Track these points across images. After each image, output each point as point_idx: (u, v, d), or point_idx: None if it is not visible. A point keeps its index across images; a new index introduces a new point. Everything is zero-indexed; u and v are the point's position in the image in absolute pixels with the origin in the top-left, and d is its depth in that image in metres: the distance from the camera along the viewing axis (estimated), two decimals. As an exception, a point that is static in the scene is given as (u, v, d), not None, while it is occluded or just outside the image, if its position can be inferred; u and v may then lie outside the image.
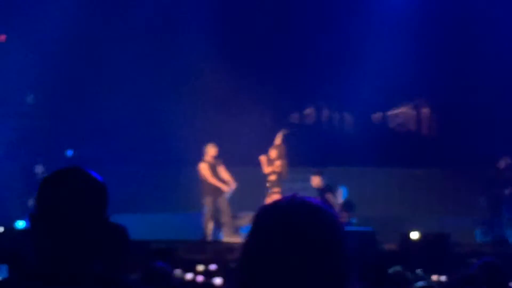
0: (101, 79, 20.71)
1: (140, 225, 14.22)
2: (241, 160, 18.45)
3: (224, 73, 20.04)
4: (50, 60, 20.28)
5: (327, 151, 20.39)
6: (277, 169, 17.28)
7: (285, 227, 1.75)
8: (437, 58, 20.67)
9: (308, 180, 18.60)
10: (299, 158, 18.51)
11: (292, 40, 21.10)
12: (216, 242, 16.62)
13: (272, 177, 17.32)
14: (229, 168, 17.49)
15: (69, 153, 20.66)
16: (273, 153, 17.42)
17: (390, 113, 21.67)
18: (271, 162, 17.34)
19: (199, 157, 17.46)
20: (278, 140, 17.61)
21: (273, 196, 17.03)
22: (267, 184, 17.35)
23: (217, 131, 19.34)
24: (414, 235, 15.43)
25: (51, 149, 20.23)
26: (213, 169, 17.15)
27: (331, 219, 1.81)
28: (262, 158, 17.39)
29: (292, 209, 1.79)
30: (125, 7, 20.49)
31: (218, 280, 9.44)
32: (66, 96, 20.73)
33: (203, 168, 17.15)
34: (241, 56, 20.84)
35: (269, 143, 17.90)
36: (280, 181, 17.39)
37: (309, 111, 22.01)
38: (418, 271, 8.36)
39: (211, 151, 17.24)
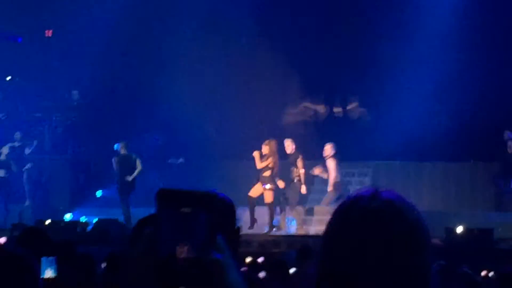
0: (145, 75, 20.91)
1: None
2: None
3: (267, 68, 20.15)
4: (95, 56, 20.56)
5: (370, 146, 20.32)
6: (271, 165, 16.73)
7: (368, 221, 1.74)
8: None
9: (351, 174, 18.70)
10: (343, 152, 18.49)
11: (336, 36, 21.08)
12: (262, 235, 16.66)
13: (266, 173, 16.77)
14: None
15: (117, 147, 20.90)
16: (265, 149, 16.88)
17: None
18: (264, 158, 16.82)
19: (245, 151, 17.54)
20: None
21: (266, 193, 16.82)
22: (261, 180, 16.87)
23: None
24: (459, 229, 15.36)
25: (96, 143, 20.51)
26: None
27: (413, 211, 1.80)
28: (255, 154, 16.87)
29: (376, 203, 1.77)
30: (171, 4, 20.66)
31: (261, 274, 9.45)
32: (110, 90, 20.96)
33: None
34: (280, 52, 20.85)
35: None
36: (273, 177, 16.85)
37: (352, 105, 21.89)
38: (465, 268, 8.31)
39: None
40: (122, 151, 17.89)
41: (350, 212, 1.78)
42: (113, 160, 17.89)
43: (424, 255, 1.75)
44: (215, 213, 1.84)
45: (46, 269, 5.05)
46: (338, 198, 16.62)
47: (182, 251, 1.81)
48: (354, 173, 20.12)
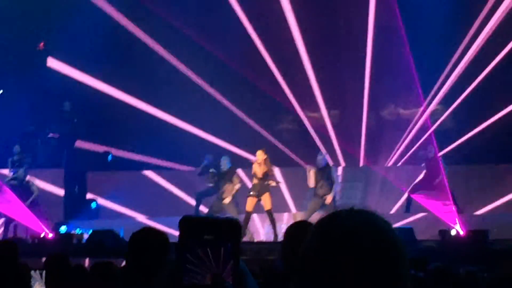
0: (138, 84, 20.97)
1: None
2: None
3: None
4: (88, 67, 20.61)
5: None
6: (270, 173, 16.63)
7: (344, 241, 1.73)
8: None
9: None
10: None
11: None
12: (257, 242, 16.62)
13: (271, 182, 16.61)
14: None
15: (109, 157, 20.91)
16: (263, 156, 16.59)
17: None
18: (266, 166, 16.59)
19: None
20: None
21: (269, 200, 16.52)
22: (263, 189, 16.53)
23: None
24: (453, 232, 15.38)
25: (89, 153, 20.57)
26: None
27: (390, 228, 1.80)
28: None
29: (352, 218, 1.78)
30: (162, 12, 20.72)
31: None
32: (103, 100, 20.97)
33: None
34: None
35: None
36: None
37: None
38: (461, 269, 8.32)
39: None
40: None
41: (326, 232, 1.77)
42: None
43: (402, 271, 1.75)
44: (237, 241, 1.87)
45: (35, 282, 5.07)
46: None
47: (208, 279, 1.83)
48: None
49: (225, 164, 17.44)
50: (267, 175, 16.52)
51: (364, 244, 1.73)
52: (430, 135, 19.73)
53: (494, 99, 20.50)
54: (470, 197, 19.48)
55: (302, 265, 1.77)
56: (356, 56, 21.06)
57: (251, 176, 16.89)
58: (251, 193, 16.52)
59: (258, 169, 16.50)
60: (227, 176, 17.26)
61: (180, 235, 1.87)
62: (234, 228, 1.88)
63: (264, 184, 16.49)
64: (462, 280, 7.95)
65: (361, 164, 21.34)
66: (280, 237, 16.58)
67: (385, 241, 1.75)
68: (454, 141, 20.72)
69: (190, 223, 1.88)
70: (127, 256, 4.24)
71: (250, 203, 16.46)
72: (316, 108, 21.83)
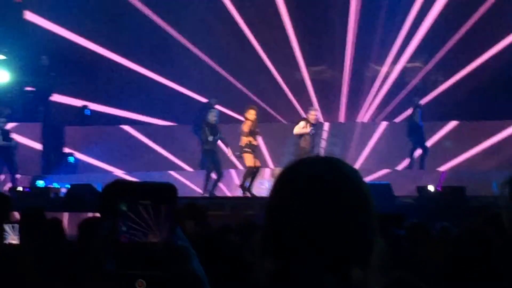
0: (118, 39, 20.84)
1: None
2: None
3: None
4: (66, 20, 20.42)
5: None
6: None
7: (310, 181, 1.72)
8: None
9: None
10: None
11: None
12: (234, 198, 16.64)
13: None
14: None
15: (87, 112, 20.82)
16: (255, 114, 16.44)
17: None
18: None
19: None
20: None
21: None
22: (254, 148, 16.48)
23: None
24: (431, 188, 15.45)
25: (66, 107, 20.49)
26: None
27: (356, 175, 1.78)
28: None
29: (317, 164, 1.77)
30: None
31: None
32: (81, 54, 20.81)
33: None
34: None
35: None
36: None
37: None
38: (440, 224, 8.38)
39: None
40: None
41: (294, 179, 1.76)
42: None
43: (369, 214, 1.75)
44: (173, 204, 1.87)
45: (10, 235, 5.04)
46: None
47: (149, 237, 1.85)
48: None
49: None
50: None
51: (329, 188, 1.71)
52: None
53: (473, 54, 20.51)
54: (445, 152, 19.62)
55: (269, 211, 1.76)
56: (338, 13, 20.98)
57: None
58: (252, 151, 16.31)
59: (254, 127, 16.26)
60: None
61: (115, 200, 1.87)
62: (170, 192, 1.89)
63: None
64: (437, 235, 8.00)
65: (342, 120, 21.35)
66: (256, 192, 16.63)
67: (350, 186, 1.74)
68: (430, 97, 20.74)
69: (124, 188, 1.90)
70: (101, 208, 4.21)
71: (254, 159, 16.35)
72: (296, 65, 21.78)
